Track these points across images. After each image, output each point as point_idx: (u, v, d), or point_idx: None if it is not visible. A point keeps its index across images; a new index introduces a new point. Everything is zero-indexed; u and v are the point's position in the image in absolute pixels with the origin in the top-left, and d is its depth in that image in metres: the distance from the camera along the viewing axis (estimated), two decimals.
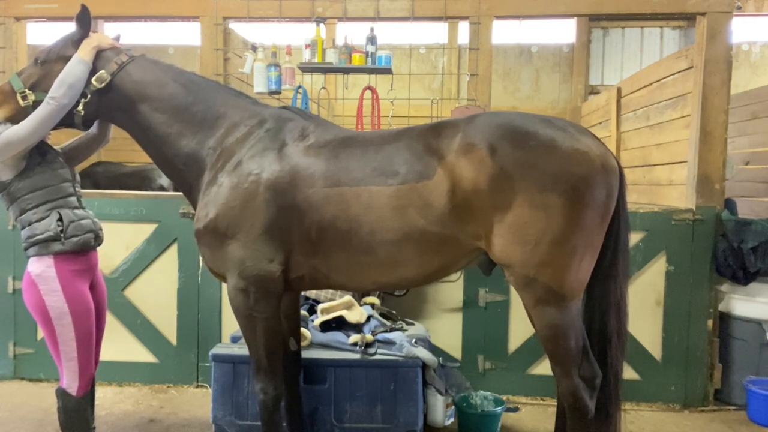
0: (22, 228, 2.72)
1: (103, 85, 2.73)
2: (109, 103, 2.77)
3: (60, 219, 2.70)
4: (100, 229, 2.92)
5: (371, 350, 3.28)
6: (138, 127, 2.79)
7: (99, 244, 2.91)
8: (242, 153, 2.60)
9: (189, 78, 2.84)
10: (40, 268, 2.67)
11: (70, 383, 2.77)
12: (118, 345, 4.22)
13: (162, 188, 6.14)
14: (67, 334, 2.70)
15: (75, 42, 2.77)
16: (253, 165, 2.55)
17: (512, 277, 2.44)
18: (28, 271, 2.69)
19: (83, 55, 2.70)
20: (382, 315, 3.71)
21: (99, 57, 2.76)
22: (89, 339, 2.78)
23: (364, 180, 2.44)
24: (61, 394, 2.79)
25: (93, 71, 2.73)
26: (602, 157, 2.37)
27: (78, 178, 2.99)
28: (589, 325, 2.59)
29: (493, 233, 2.37)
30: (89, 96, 2.72)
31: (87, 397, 2.84)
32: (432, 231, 2.40)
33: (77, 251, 2.74)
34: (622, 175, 2.48)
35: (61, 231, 2.68)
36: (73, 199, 2.84)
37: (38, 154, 2.74)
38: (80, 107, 2.72)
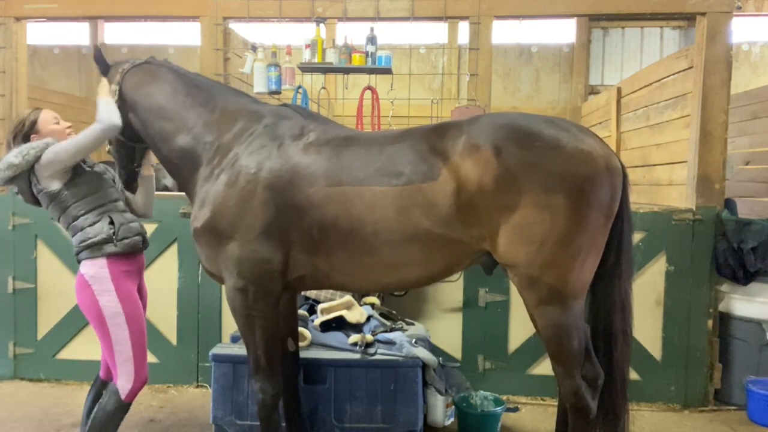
0: (74, 234, 2.78)
1: (116, 97, 2.81)
2: (124, 110, 2.83)
3: (111, 222, 2.78)
4: (146, 233, 2.99)
5: (371, 350, 3.28)
6: (141, 126, 2.84)
7: (146, 247, 2.98)
8: (239, 149, 2.61)
9: (188, 79, 2.87)
10: (94, 269, 2.73)
11: (124, 385, 2.77)
12: None
13: (166, 188, 6.13)
14: (121, 333, 2.73)
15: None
16: (250, 162, 2.55)
17: (516, 278, 2.44)
18: (81, 273, 2.75)
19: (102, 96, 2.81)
20: (382, 315, 3.71)
21: (111, 72, 2.89)
22: (142, 339, 2.81)
23: (367, 180, 2.44)
24: (114, 392, 2.78)
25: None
26: (606, 157, 2.38)
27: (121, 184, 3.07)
28: (595, 324, 2.60)
29: (498, 234, 2.37)
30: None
31: (129, 405, 2.84)
32: (436, 232, 2.40)
33: (128, 253, 2.81)
34: (625, 175, 2.49)
35: (114, 233, 2.75)
36: (120, 203, 2.92)
37: (82, 161, 2.82)
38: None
